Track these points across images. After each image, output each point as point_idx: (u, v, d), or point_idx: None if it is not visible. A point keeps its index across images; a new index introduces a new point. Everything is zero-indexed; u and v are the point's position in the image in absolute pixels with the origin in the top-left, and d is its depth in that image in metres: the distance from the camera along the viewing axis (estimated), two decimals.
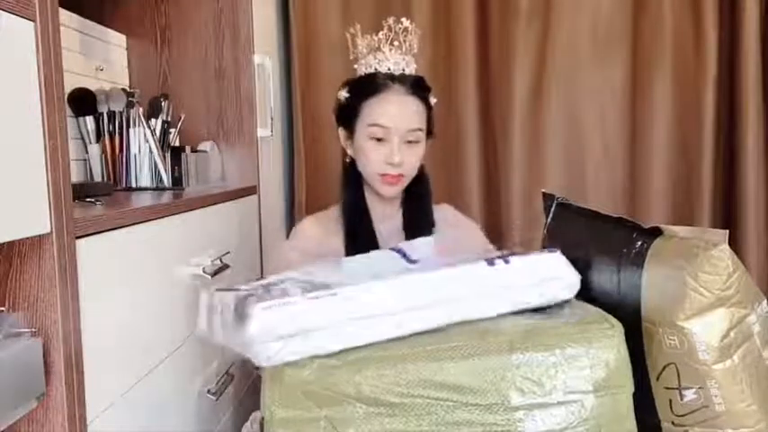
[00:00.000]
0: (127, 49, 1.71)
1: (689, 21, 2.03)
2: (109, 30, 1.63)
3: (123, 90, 1.51)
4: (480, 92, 2.11)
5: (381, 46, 1.34)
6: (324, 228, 1.38)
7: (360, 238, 1.32)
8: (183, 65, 1.70)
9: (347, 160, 1.39)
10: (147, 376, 0.99)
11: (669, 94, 2.07)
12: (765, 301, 0.86)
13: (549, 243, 1.19)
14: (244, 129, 1.69)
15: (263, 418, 0.92)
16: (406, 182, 1.36)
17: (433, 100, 1.40)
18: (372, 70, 1.34)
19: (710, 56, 2.01)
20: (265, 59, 1.76)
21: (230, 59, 1.68)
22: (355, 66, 1.39)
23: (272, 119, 1.81)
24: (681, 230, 0.86)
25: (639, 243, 0.89)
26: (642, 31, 2.07)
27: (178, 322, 1.13)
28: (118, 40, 1.67)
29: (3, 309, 0.73)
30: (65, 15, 1.36)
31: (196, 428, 1.20)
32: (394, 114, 1.31)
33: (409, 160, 1.32)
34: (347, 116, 1.36)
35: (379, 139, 1.30)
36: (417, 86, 1.35)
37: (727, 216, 2.05)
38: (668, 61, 2.05)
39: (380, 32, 1.34)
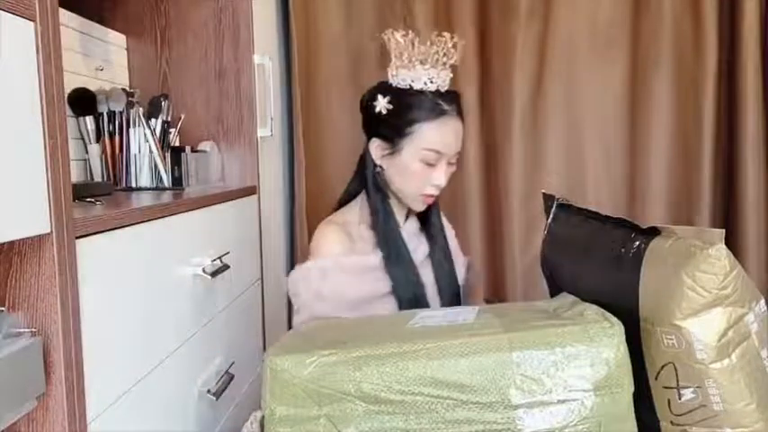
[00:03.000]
0: (127, 49, 1.71)
1: (689, 21, 2.04)
2: (109, 30, 1.63)
3: (123, 90, 1.52)
4: (480, 92, 2.12)
5: (435, 61, 1.28)
6: (349, 236, 1.33)
7: (397, 250, 1.32)
8: (183, 65, 1.70)
9: (377, 170, 1.34)
10: (147, 376, 0.99)
11: (669, 94, 2.07)
12: (763, 300, 0.86)
13: (550, 244, 1.19)
14: (244, 129, 1.69)
15: (263, 417, 0.92)
16: None
17: None
18: (422, 86, 1.27)
19: (710, 56, 2.01)
20: (265, 59, 1.76)
21: (230, 59, 1.68)
22: (393, 72, 1.30)
23: (272, 119, 1.81)
24: (678, 230, 0.86)
25: (637, 243, 0.89)
26: (642, 31, 2.07)
27: (178, 322, 1.13)
28: (118, 40, 1.68)
29: (3, 309, 0.73)
30: (65, 15, 1.36)
31: (196, 428, 1.20)
32: (450, 141, 1.29)
33: (447, 180, 1.33)
34: (392, 130, 1.30)
35: (429, 164, 1.29)
36: (461, 107, 1.32)
37: (727, 216, 2.05)
38: (668, 61, 2.05)
39: (433, 46, 1.27)
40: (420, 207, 1.35)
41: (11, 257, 0.73)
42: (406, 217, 1.40)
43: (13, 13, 0.67)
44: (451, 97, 1.30)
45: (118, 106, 1.47)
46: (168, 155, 1.50)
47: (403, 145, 1.29)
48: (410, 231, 1.39)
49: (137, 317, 0.97)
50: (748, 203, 1.98)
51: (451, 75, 1.31)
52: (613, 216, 1.00)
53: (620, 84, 2.10)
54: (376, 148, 1.34)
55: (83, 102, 1.43)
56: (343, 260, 1.28)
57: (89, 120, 1.46)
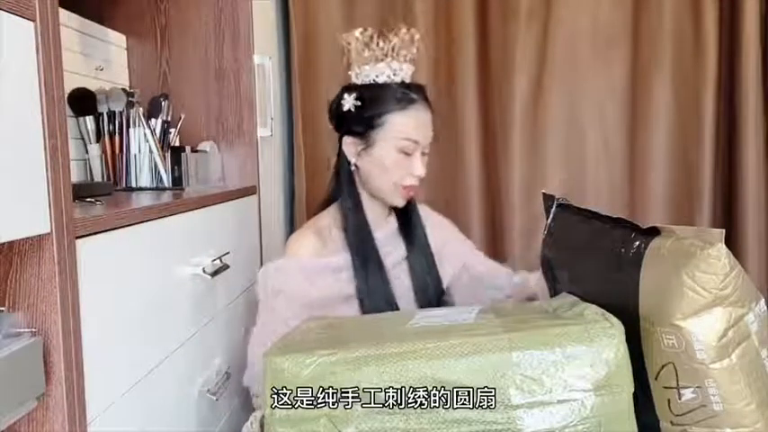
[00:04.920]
0: (127, 49, 1.71)
1: (689, 21, 2.04)
2: (109, 30, 1.63)
3: (123, 90, 1.52)
4: (480, 92, 2.12)
5: (395, 55, 1.29)
6: (321, 239, 1.33)
7: (364, 252, 1.31)
8: (183, 65, 1.70)
9: (352, 168, 1.35)
10: (147, 376, 0.99)
11: (669, 94, 2.07)
12: (763, 300, 0.86)
13: (550, 244, 1.19)
14: (244, 129, 1.69)
15: (263, 417, 0.92)
16: None
17: None
18: (386, 79, 1.29)
19: (710, 56, 2.01)
20: (265, 59, 1.76)
21: (230, 59, 1.68)
22: (356, 71, 1.32)
23: (272, 119, 1.81)
24: (678, 230, 0.86)
25: (637, 243, 0.89)
26: (642, 31, 2.07)
27: (178, 322, 1.13)
28: (118, 40, 1.68)
29: (3, 309, 0.73)
30: (65, 15, 1.37)
31: (196, 428, 1.20)
32: (423, 128, 1.30)
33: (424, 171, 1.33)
34: (361, 125, 1.30)
35: (406, 153, 1.29)
36: (427, 98, 1.34)
37: (727, 216, 2.05)
38: (668, 61, 2.05)
39: (393, 41, 1.29)
40: (400, 201, 1.34)
41: (11, 257, 0.73)
42: (387, 218, 1.39)
43: (13, 13, 0.67)
44: (418, 88, 1.32)
45: (118, 106, 1.47)
46: (168, 155, 1.51)
47: (376, 137, 1.30)
48: (388, 233, 1.37)
49: (137, 317, 0.97)
50: (748, 203, 1.98)
51: (413, 68, 1.32)
52: (613, 216, 1.00)
53: (621, 84, 2.10)
54: (349, 145, 1.34)
55: (83, 102, 1.43)
56: (303, 260, 1.28)
57: (89, 120, 1.46)
